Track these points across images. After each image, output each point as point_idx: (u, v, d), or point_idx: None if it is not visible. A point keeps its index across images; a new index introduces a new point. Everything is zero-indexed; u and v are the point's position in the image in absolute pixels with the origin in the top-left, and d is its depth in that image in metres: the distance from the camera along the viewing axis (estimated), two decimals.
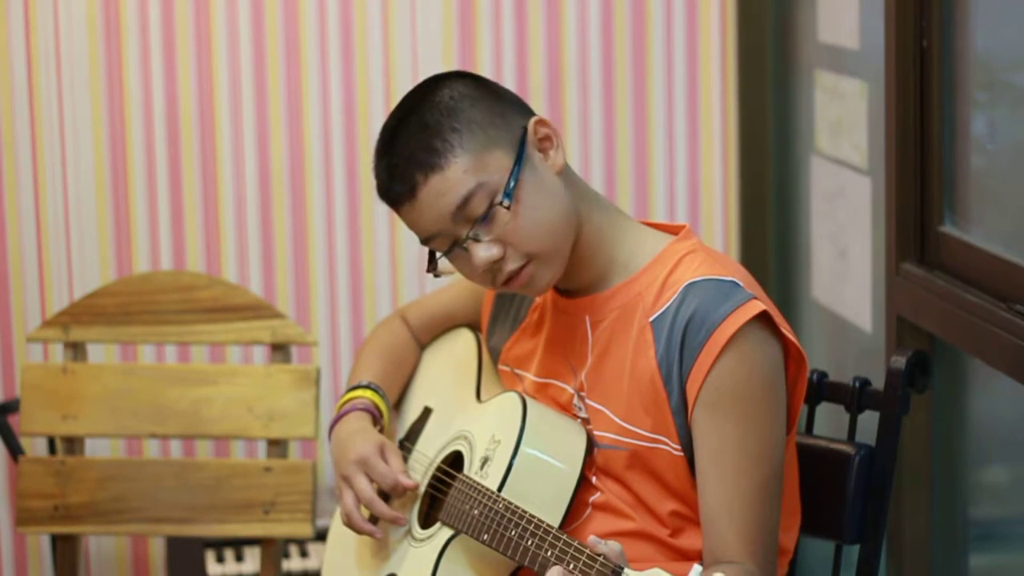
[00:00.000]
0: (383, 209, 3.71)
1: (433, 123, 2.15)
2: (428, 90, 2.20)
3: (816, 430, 2.44)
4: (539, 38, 3.74)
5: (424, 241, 2.20)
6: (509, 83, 3.68)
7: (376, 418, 2.40)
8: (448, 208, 2.14)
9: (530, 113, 2.22)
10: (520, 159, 2.16)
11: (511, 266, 2.16)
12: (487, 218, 2.14)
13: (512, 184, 2.14)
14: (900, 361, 2.33)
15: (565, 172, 2.21)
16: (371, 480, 2.30)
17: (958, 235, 2.85)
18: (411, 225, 2.19)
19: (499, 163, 2.15)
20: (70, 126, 3.62)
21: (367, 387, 2.43)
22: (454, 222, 2.15)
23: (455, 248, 2.17)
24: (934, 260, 2.90)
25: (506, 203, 2.13)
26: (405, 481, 2.29)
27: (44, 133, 3.61)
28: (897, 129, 2.95)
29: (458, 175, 2.13)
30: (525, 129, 2.18)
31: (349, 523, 2.31)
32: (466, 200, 2.14)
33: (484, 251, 2.15)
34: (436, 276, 2.23)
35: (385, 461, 2.31)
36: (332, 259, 3.73)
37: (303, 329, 3.04)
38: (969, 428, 2.96)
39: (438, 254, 2.20)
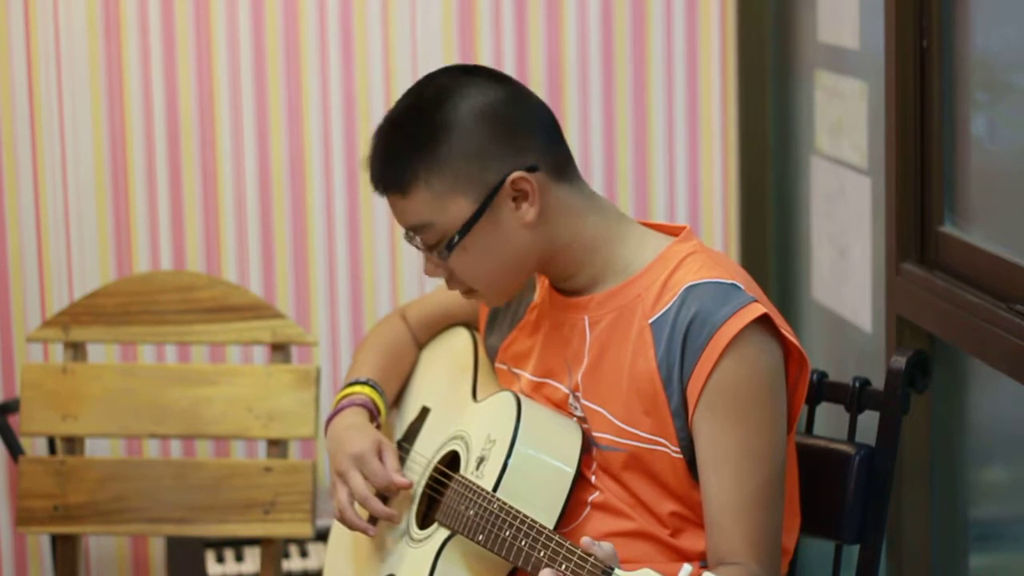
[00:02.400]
0: (383, 209, 3.71)
1: (415, 147, 2.16)
2: (446, 90, 2.19)
3: (816, 430, 2.44)
4: (539, 38, 3.74)
5: None
6: None
7: (373, 414, 2.40)
8: (404, 223, 2.22)
9: (523, 155, 2.18)
10: (480, 212, 2.17)
11: (454, 286, 2.25)
12: (431, 250, 2.20)
13: (456, 239, 2.17)
14: (900, 361, 2.33)
15: (543, 214, 2.20)
16: (366, 477, 2.30)
17: (958, 235, 2.84)
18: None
19: (458, 210, 2.17)
20: (70, 126, 3.62)
21: (365, 383, 2.43)
22: (409, 233, 2.22)
23: (418, 248, 2.24)
24: (934, 260, 2.90)
25: (445, 253, 2.19)
26: (399, 480, 2.29)
27: (44, 133, 3.61)
28: (897, 129, 2.95)
29: (416, 205, 2.18)
30: (502, 182, 2.17)
31: (342, 519, 2.31)
32: (417, 228, 2.20)
33: (430, 267, 2.24)
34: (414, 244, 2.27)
35: (381, 459, 2.31)
36: (332, 259, 3.73)
37: (303, 329, 3.04)
38: (969, 428, 2.96)
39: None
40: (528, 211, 2.18)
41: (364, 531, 2.30)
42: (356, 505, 2.31)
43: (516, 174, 2.17)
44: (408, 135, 2.18)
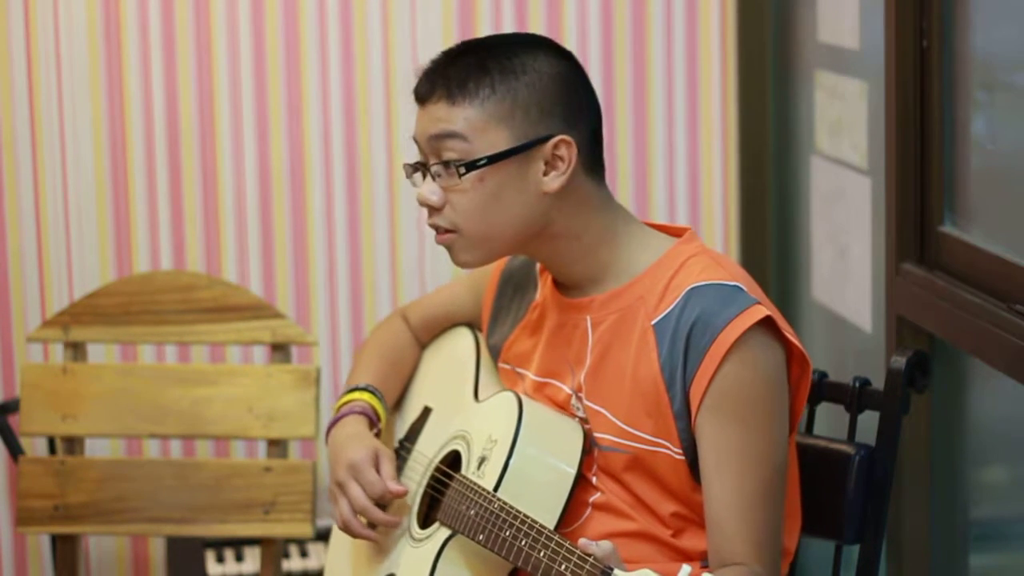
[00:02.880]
0: (383, 209, 3.71)
1: (488, 68, 2.17)
2: (522, 43, 2.22)
3: (816, 430, 2.44)
4: None
5: (414, 140, 2.24)
6: None
7: (373, 421, 2.40)
8: (432, 131, 2.18)
9: (573, 130, 2.20)
10: (511, 154, 2.16)
11: (437, 221, 2.20)
12: (447, 167, 2.17)
13: (483, 162, 2.15)
14: (900, 361, 2.33)
15: (563, 192, 2.20)
16: (362, 487, 2.30)
17: (958, 235, 2.84)
18: (415, 125, 2.24)
19: (495, 139, 2.17)
20: (70, 126, 3.62)
21: (365, 389, 2.43)
22: (429, 145, 2.19)
23: (419, 168, 2.22)
24: (934, 260, 2.90)
25: (462, 171, 2.16)
26: (394, 488, 2.29)
27: (44, 133, 3.61)
28: (897, 129, 2.95)
29: (458, 116, 2.17)
30: (546, 139, 2.18)
31: (346, 530, 2.31)
32: (444, 137, 2.17)
33: (427, 190, 2.20)
34: (408, 178, 2.25)
35: (377, 468, 2.31)
36: (332, 259, 3.73)
37: (303, 329, 3.04)
38: (969, 428, 2.96)
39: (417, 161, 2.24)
40: (554, 180, 2.18)
41: (369, 538, 2.31)
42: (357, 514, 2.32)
43: (563, 136, 2.18)
44: (491, 54, 2.19)
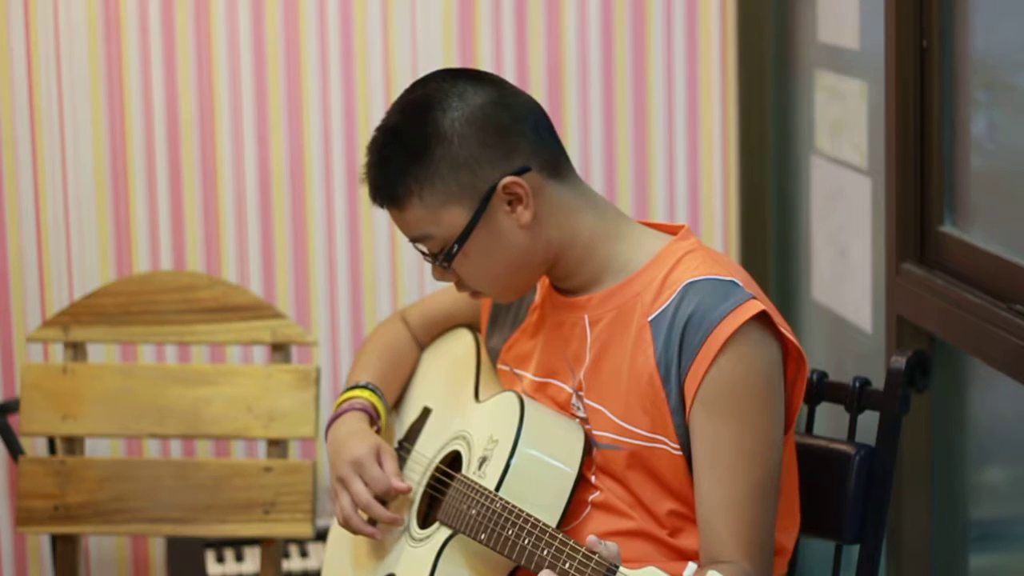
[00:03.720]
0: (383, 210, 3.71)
1: (404, 169, 2.18)
2: (431, 101, 2.19)
3: (816, 430, 2.44)
4: (539, 38, 3.74)
5: None
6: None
7: (373, 418, 2.40)
8: (406, 234, 2.24)
9: (512, 157, 2.18)
10: (475, 220, 2.18)
11: (464, 290, 2.26)
12: (435, 258, 2.22)
13: (455, 248, 2.19)
14: (900, 361, 2.33)
15: (539, 215, 2.20)
16: (366, 483, 2.30)
17: (958, 235, 2.84)
18: None
19: (454, 220, 2.18)
20: (70, 126, 3.62)
21: (365, 387, 2.44)
22: (414, 243, 2.24)
23: (424, 255, 2.26)
24: (934, 260, 2.90)
25: (446, 262, 2.20)
26: (398, 485, 2.29)
27: (44, 133, 3.61)
28: (897, 129, 2.95)
29: (413, 219, 2.20)
30: (494, 189, 2.18)
31: (347, 525, 2.31)
32: (415, 239, 2.22)
33: (438, 273, 2.25)
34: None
35: (380, 464, 2.31)
36: (332, 259, 3.73)
37: (303, 329, 3.04)
38: (969, 428, 2.96)
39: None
40: (524, 213, 2.19)
41: (370, 535, 2.31)
42: (359, 510, 2.32)
43: (507, 179, 2.17)
44: (397, 152, 2.19)
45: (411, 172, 2.17)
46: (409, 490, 2.30)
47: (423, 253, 2.24)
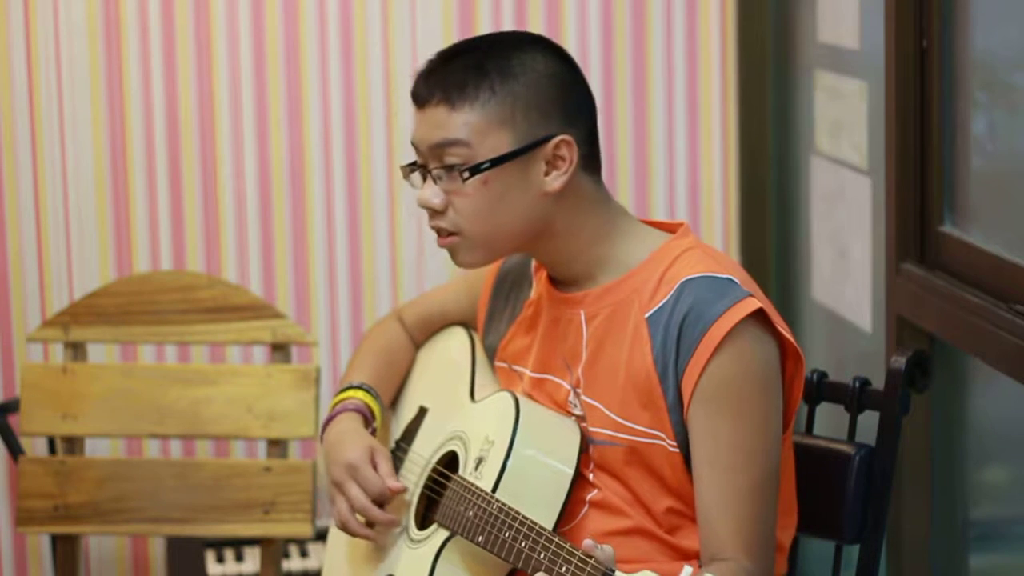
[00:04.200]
0: (383, 209, 3.71)
1: (485, 71, 2.17)
2: (517, 42, 2.21)
3: (816, 430, 2.44)
4: None
5: (412, 144, 2.23)
6: None
7: (368, 419, 2.40)
8: (432, 138, 2.18)
9: (572, 128, 2.20)
10: (513, 156, 2.16)
11: (439, 223, 2.20)
12: (448, 172, 2.17)
13: (483, 167, 2.15)
14: (900, 361, 2.33)
15: (563, 192, 2.20)
16: (361, 487, 2.30)
17: (958, 235, 2.84)
18: (414, 129, 2.23)
19: (497, 142, 2.16)
20: (70, 126, 3.62)
21: (359, 387, 2.43)
22: (430, 152, 2.19)
23: (419, 170, 2.22)
24: (934, 260, 2.90)
25: (465, 175, 2.16)
26: (393, 485, 2.29)
27: (44, 133, 3.61)
28: (897, 129, 2.95)
29: (459, 122, 2.16)
30: (547, 140, 2.18)
31: (345, 529, 2.31)
32: (446, 144, 2.17)
33: (428, 193, 2.19)
34: (406, 179, 2.25)
35: (374, 466, 2.31)
36: (332, 259, 3.73)
37: (303, 329, 3.04)
38: (969, 428, 2.96)
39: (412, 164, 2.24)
40: (555, 180, 2.18)
41: (368, 538, 2.31)
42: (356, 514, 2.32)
43: (564, 136, 2.18)
44: (487, 55, 2.18)
45: (492, 80, 2.16)
46: (404, 490, 2.30)
47: (417, 174, 2.20)
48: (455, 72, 2.18)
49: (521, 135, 2.17)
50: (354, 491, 2.30)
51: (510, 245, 2.22)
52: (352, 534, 2.31)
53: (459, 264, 2.25)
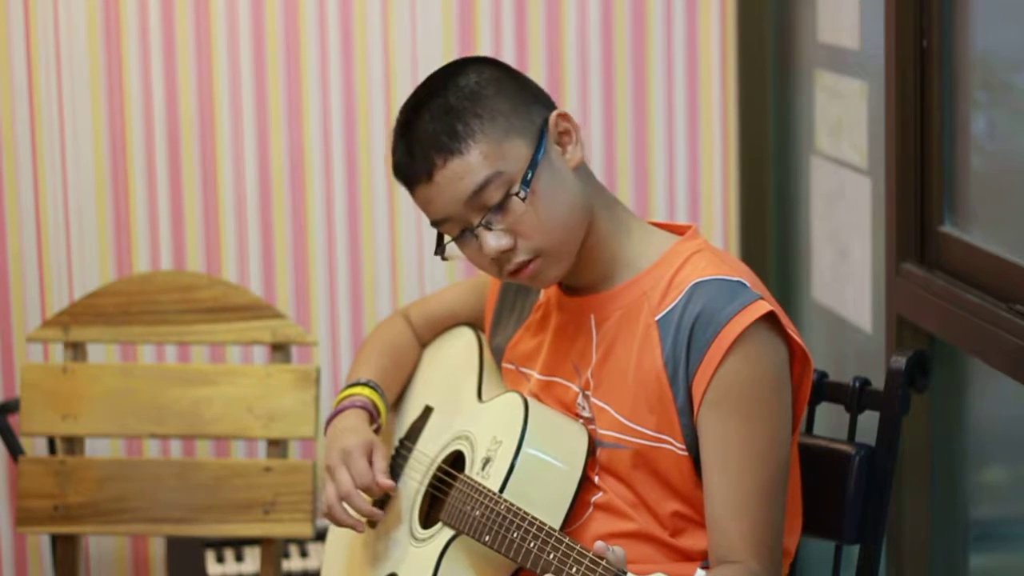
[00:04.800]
0: (383, 209, 3.71)
1: (456, 107, 2.14)
2: (453, 73, 2.19)
3: (816, 430, 2.44)
4: (539, 38, 3.74)
5: (435, 224, 2.18)
6: None
7: (373, 416, 2.40)
8: (464, 193, 2.13)
9: (552, 105, 2.21)
10: (539, 150, 2.15)
11: (520, 258, 2.16)
12: (501, 207, 2.13)
13: (530, 175, 2.13)
14: (900, 361, 2.33)
15: (581, 168, 2.21)
16: (352, 475, 2.30)
17: (958, 235, 2.85)
18: (424, 207, 2.18)
19: (518, 153, 2.15)
20: (70, 126, 3.62)
21: (366, 384, 2.43)
22: (467, 208, 2.14)
23: (466, 234, 2.17)
24: (934, 260, 2.90)
25: (522, 194, 2.12)
26: (382, 481, 2.29)
27: (44, 133, 3.61)
28: (897, 129, 2.95)
29: (477, 161, 2.13)
30: (546, 121, 2.18)
31: (330, 514, 2.30)
32: (483, 187, 2.13)
33: (494, 240, 2.14)
34: (444, 259, 2.23)
35: (369, 460, 2.30)
36: (332, 259, 3.73)
37: (303, 329, 3.04)
38: (969, 428, 2.96)
39: (447, 238, 2.19)
40: (574, 153, 2.18)
41: (352, 527, 2.30)
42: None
43: (557, 111, 2.19)
44: (446, 95, 2.16)
45: (468, 112, 2.14)
46: (394, 488, 2.30)
47: (469, 228, 2.14)
48: (433, 128, 2.15)
49: (528, 133, 2.16)
50: (343, 476, 2.29)
51: (576, 242, 2.18)
52: (336, 521, 2.30)
53: (546, 285, 2.21)
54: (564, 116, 2.19)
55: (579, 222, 2.18)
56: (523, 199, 2.12)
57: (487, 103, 2.15)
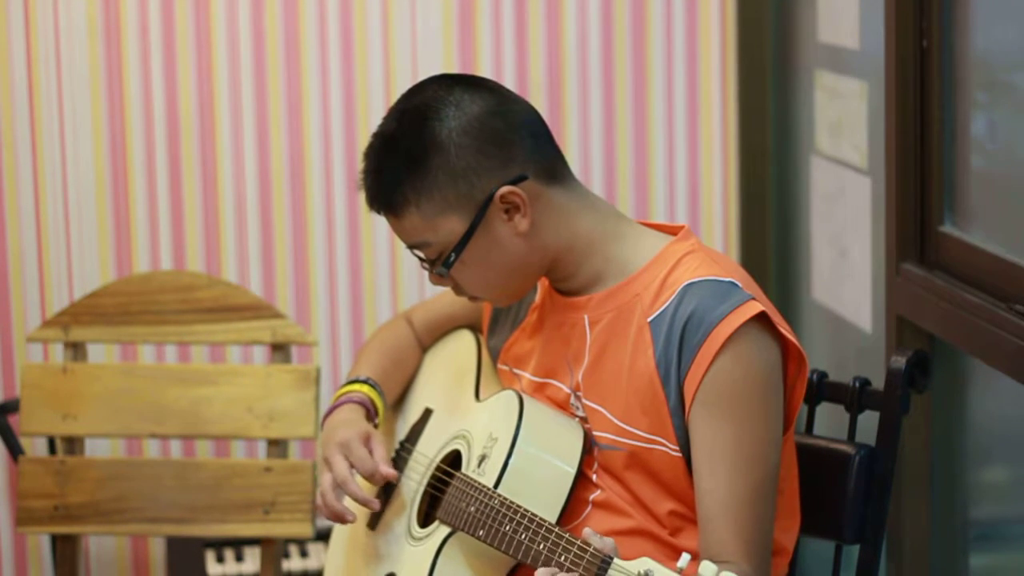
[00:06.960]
0: None
1: (400, 178, 2.18)
2: (428, 110, 2.18)
3: (816, 430, 2.44)
4: (539, 38, 3.74)
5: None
6: (509, 83, 3.68)
7: (371, 413, 2.40)
8: (405, 240, 2.23)
9: (511, 162, 2.18)
10: (473, 227, 2.18)
11: (462, 294, 2.27)
12: (432, 264, 2.22)
13: (452, 257, 2.19)
14: (900, 361, 2.33)
15: (536, 221, 2.20)
16: (351, 465, 2.30)
17: (958, 235, 2.85)
18: None
19: (451, 228, 2.18)
20: (70, 126, 3.62)
21: (364, 382, 2.44)
22: (413, 250, 2.24)
23: (422, 260, 2.26)
24: (934, 260, 2.90)
25: (450, 260, 2.19)
26: (385, 470, 2.29)
27: (44, 133, 3.61)
28: (897, 129, 2.95)
29: (410, 226, 2.20)
30: (491, 198, 2.17)
31: (323, 503, 2.30)
32: (415, 246, 2.22)
33: (435, 280, 2.25)
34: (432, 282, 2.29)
35: (369, 449, 2.31)
36: (332, 259, 3.74)
37: (303, 329, 3.04)
38: (969, 428, 2.96)
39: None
40: (521, 222, 2.19)
41: (341, 516, 2.30)
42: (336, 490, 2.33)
43: (504, 189, 2.17)
44: (394, 160, 2.19)
45: (408, 181, 2.17)
46: (396, 477, 2.31)
47: (420, 259, 2.24)
48: (378, 184, 2.21)
49: (466, 208, 2.18)
50: (340, 464, 2.30)
51: (531, 276, 2.25)
52: (326, 507, 2.30)
53: (499, 307, 2.35)
54: (513, 194, 2.17)
55: (518, 274, 2.23)
56: (445, 271, 2.20)
57: (431, 176, 2.16)
